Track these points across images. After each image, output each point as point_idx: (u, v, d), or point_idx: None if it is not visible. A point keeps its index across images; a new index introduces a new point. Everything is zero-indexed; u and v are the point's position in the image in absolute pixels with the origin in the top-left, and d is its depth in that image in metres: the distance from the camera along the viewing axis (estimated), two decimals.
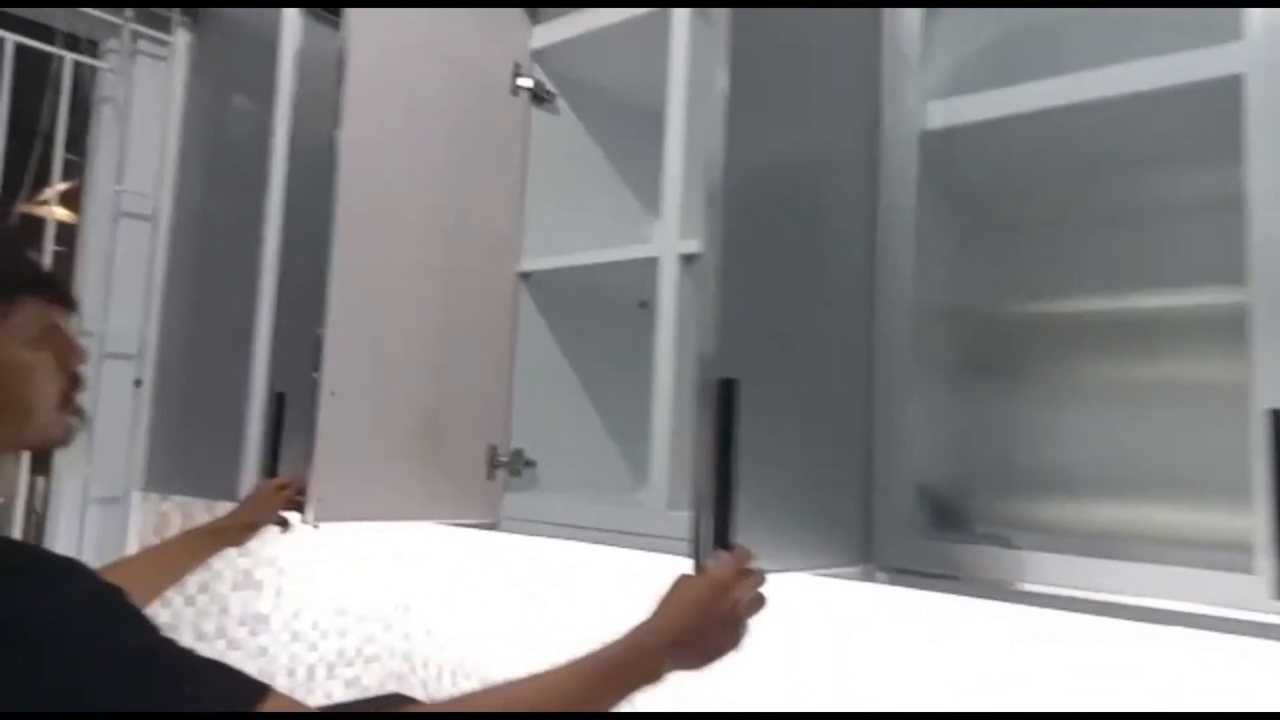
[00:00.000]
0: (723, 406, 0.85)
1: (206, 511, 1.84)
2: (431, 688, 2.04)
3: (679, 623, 0.84)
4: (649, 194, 1.79)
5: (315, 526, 1.24)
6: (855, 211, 1.10)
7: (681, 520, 1.26)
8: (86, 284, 1.72)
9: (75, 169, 1.73)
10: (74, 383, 0.89)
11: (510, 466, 1.49)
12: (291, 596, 1.94)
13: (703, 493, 0.85)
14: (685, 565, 1.33)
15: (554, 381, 1.59)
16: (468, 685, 1.98)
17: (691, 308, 1.32)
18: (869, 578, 1.07)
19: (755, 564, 0.87)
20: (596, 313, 1.66)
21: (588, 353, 1.64)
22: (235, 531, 1.37)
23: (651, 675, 0.83)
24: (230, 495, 1.51)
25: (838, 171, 1.09)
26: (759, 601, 0.87)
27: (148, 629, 0.72)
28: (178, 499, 1.78)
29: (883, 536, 1.07)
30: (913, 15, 1.13)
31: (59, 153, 1.68)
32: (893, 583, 1.06)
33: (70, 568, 0.72)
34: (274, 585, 1.91)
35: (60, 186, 1.70)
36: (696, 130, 1.34)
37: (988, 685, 1.25)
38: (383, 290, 1.32)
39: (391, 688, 2.10)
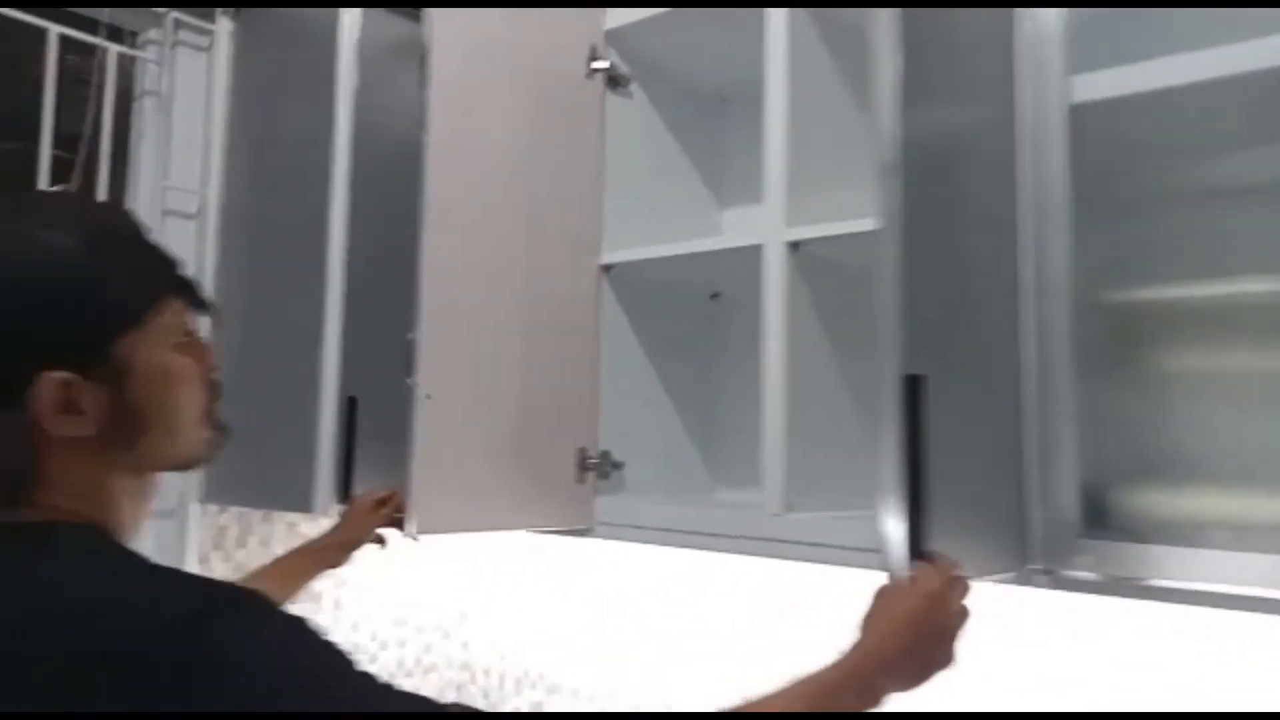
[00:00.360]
0: (910, 404, 0.79)
1: (263, 521, 1.77)
2: (494, 697, 1.97)
3: (895, 642, 0.77)
4: (715, 181, 1.72)
5: (415, 540, 1.17)
6: (1001, 193, 1.03)
7: (801, 524, 1.20)
8: None
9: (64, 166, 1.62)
10: (214, 392, 0.81)
11: (599, 469, 1.42)
12: (350, 608, 1.87)
13: (895, 498, 0.78)
14: (806, 571, 1.27)
15: (636, 378, 1.52)
16: (534, 695, 1.91)
17: (803, 298, 1.26)
18: (1026, 581, 1.01)
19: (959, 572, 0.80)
20: (670, 305, 1.59)
21: (662, 347, 1.57)
22: (332, 551, 1.29)
23: (870, 700, 0.77)
24: (304, 507, 1.44)
25: (983, 150, 1.02)
26: (965, 613, 0.80)
27: (350, 661, 0.66)
28: (235, 510, 1.70)
29: (1040, 538, 1.00)
30: None
31: (104, 148, 1.59)
32: (1053, 586, 1.00)
33: (257, 600, 0.66)
34: (333, 597, 1.84)
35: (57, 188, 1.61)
36: (799, 114, 1.27)
37: (1162, 692, 1.19)
38: (469, 288, 1.25)
39: (450, 697, 2.03)
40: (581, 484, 1.39)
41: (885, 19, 0.86)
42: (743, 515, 1.25)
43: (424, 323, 1.18)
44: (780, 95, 1.27)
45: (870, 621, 0.79)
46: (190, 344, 0.79)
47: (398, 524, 1.22)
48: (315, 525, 1.93)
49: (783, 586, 1.50)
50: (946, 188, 0.95)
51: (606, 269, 1.47)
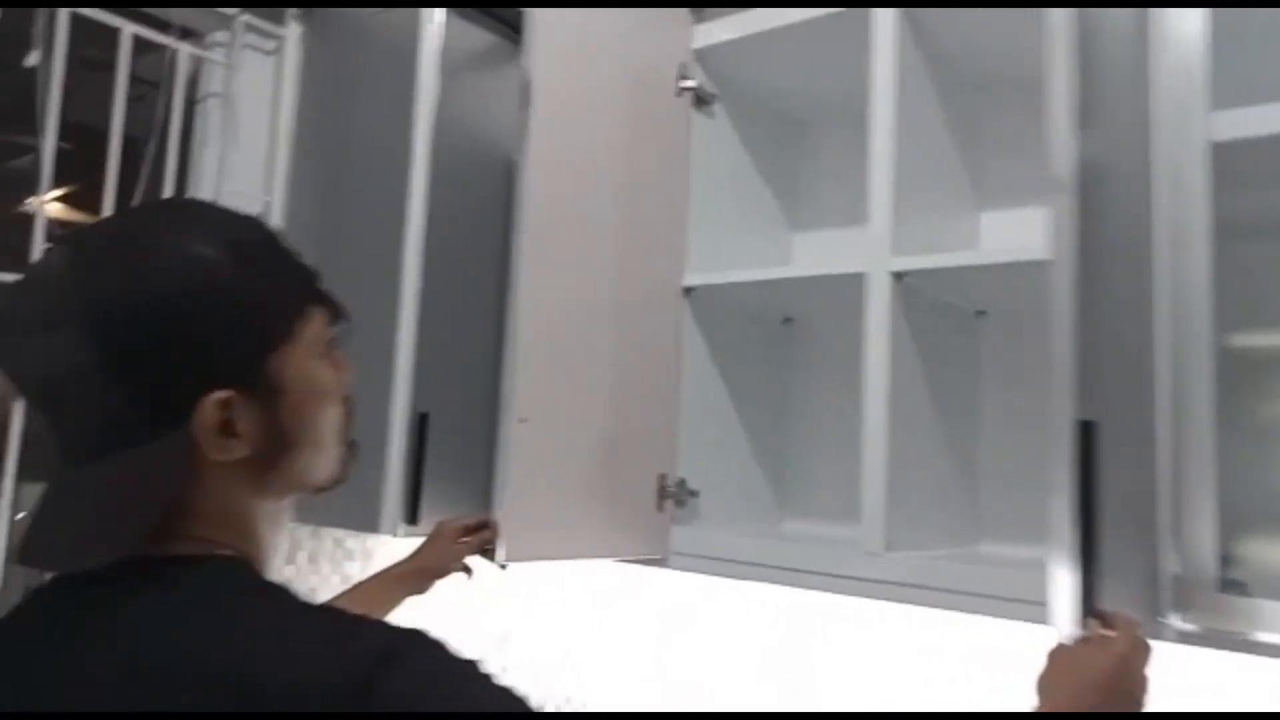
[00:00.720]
0: (1083, 452, 0.75)
1: (311, 537, 1.72)
2: None
3: (1086, 703, 0.72)
4: (787, 204, 1.69)
5: (503, 568, 1.13)
6: (1138, 228, 1.00)
7: (902, 564, 1.16)
8: None
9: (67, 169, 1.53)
10: (349, 407, 0.77)
11: (677, 497, 1.37)
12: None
13: (1069, 549, 0.74)
14: (908, 613, 1.22)
15: (710, 403, 1.48)
16: None
17: (903, 328, 1.22)
18: (1155, 635, 0.96)
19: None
20: (745, 329, 1.56)
21: (735, 371, 1.53)
22: (417, 578, 1.23)
23: None
24: (370, 526, 1.39)
25: (1121, 182, 0.99)
26: (1147, 679, 0.76)
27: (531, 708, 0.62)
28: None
29: (1173, 591, 0.96)
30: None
31: (173, 150, 1.54)
32: (1184, 642, 0.96)
33: (432, 645, 0.62)
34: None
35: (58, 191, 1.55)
36: (902, 139, 1.24)
37: None
38: (562, 307, 1.21)
39: None
40: (660, 512, 1.35)
41: (1059, 19, 0.82)
42: (839, 552, 1.21)
43: (519, 344, 1.14)
44: (887, 117, 1.24)
45: (1054, 682, 0.75)
46: (331, 356, 0.74)
47: (485, 552, 1.17)
48: (360, 542, 1.88)
49: (877, 627, 1.45)
50: (1095, 219, 0.92)
51: (688, 291, 1.43)
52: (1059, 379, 0.77)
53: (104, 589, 0.63)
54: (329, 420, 0.74)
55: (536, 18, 1.18)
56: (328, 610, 0.64)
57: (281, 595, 0.65)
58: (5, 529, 1.39)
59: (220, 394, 0.65)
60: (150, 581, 0.63)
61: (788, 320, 1.66)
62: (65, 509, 0.66)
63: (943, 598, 1.12)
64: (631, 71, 1.34)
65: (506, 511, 1.11)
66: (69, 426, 0.65)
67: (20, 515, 1.93)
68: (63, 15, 1.37)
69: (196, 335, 0.65)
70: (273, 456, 0.69)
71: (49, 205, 1.57)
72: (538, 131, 1.17)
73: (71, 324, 0.63)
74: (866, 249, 1.23)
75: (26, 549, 0.66)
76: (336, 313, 0.76)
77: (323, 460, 0.74)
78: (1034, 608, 1.01)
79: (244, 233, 0.71)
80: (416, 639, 0.62)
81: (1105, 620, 0.75)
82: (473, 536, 1.24)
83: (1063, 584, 0.75)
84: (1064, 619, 0.75)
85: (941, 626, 1.38)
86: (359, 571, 1.85)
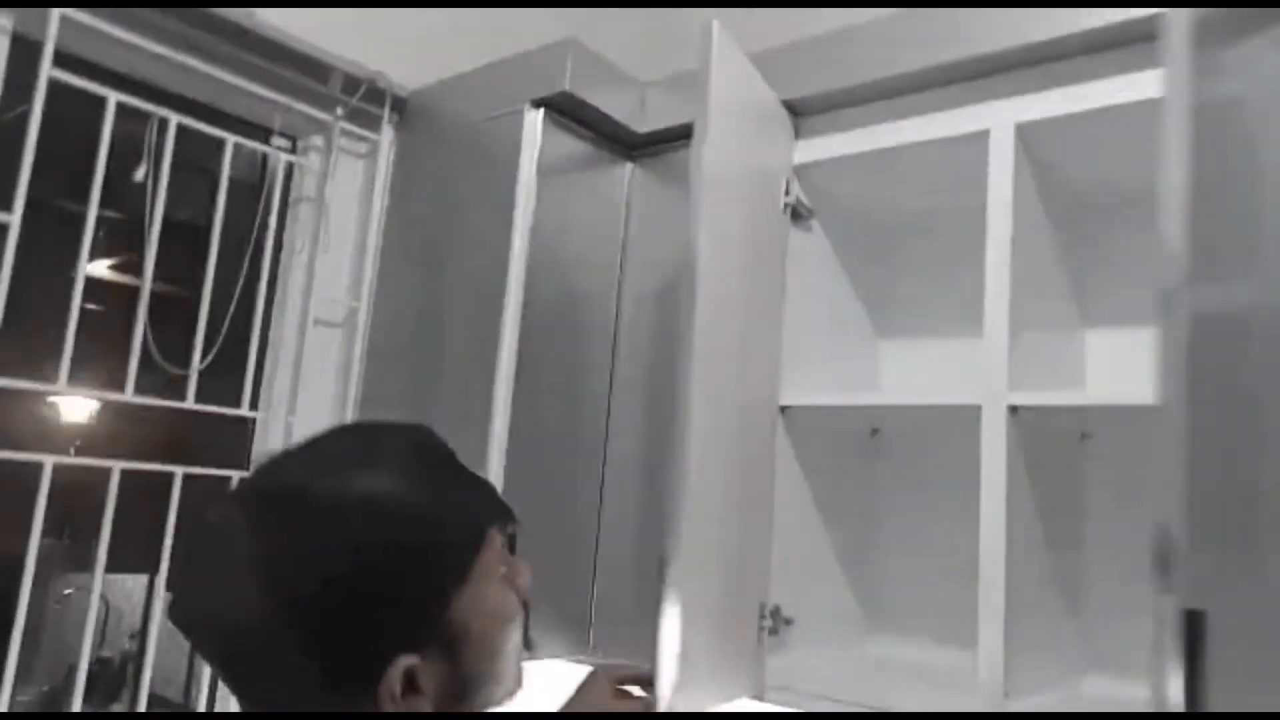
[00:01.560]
0: (1190, 644, 0.70)
1: None
2: None
3: None
4: (876, 313, 1.66)
5: None
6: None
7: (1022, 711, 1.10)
8: (274, 397, 1.58)
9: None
10: (526, 611, 0.74)
11: (773, 627, 1.33)
12: None
13: None
14: None
15: (803, 522, 1.44)
16: None
17: (1016, 458, 1.18)
18: None
19: None
20: (833, 443, 1.51)
21: (824, 487, 1.49)
22: None
23: None
24: None
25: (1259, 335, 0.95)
26: None
27: None
28: None
29: None
30: None
31: (267, 255, 1.55)
32: None
33: None
34: None
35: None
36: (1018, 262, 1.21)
37: None
38: (700, 436, 1.17)
39: None
40: (759, 644, 1.30)
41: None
42: (952, 697, 1.16)
43: (685, 485, 1.10)
44: (1002, 246, 1.21)
45: None
46: (508, 570, 0.71)
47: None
48: None
49: None
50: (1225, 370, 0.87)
51: (783, 410, 1.40)
52: (1176, 561, 0.72)
53: None
54: (512, 645, 0.70)
55: (704, 160, 1.16)
56: None
57: None
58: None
59: (406, 661, 0.62)
60: None
61: (875, 431, 1.62)
62: None
63: None
64: (749, 189, 1.32)
65: (673, 664, 1.06)
66: (249, 686, 0.63)
67: (67, 592, 1.88)
68: (170, 129, 1.40)
69: (383, 598, 0.62)
70: (454, 698, 0.66)
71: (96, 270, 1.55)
72: (704, 248, 1.15)
73: (253, 587, 0.60)
74: (980, 379, 1.19)
75: None
76: (509, 520, 0.73)
77: (504, 686, 0.70)
78: None
79: (418, 464, 0.68)
80: None
81: None
82: (634, 691, 1.10)
83: None
84: None
85: None
86: None
